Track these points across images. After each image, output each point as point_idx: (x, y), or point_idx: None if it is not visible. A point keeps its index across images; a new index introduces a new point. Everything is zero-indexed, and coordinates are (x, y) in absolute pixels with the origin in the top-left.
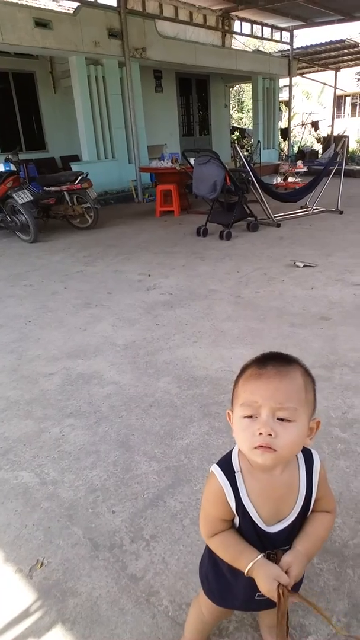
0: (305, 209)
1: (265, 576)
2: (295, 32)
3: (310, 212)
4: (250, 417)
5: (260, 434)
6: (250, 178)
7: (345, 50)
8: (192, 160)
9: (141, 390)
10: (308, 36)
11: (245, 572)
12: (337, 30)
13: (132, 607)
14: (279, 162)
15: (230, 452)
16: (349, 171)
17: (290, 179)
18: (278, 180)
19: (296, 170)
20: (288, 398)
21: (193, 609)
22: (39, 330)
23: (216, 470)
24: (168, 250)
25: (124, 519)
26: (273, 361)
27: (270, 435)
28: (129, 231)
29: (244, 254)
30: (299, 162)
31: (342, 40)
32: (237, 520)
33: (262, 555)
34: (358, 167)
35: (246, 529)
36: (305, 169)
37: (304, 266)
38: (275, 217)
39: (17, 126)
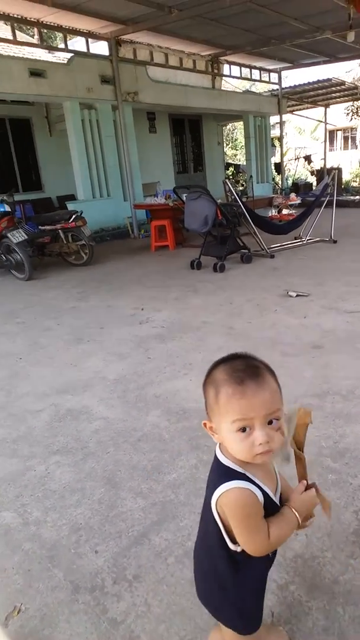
0: (299, 240)
1: (300, 499)
2: (284, 72)
3: (305, 242)
4: (244, 430)
5: (261, 444)
6: (241, 211)
7: (333, 88)
8: (183, 197)
9: (130, 424)
10: (296, 75)
11: (299, 520)
12: (324, 70)
13: None
14: (273, 195)
15: (221, 464)
16: (343, 201)
17: (285, 211)
18: (273, 212)
19: (290, 203)
20: (273, 403)
21: None
22: (29, 367)
23: (234, 484)
24: (161, 284)
25: (106, 558)
26: (247, 375)
27: (269, 442)
28: (123, 266)
29: (237, 286)
30: (292, 195)
31: (329, 79)
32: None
33: (288, 506)
34: (352, 198)
35: (269, 509)
36: (299, 201)
37: (297, 296)
38: (269, 248)
39: (14, 169)
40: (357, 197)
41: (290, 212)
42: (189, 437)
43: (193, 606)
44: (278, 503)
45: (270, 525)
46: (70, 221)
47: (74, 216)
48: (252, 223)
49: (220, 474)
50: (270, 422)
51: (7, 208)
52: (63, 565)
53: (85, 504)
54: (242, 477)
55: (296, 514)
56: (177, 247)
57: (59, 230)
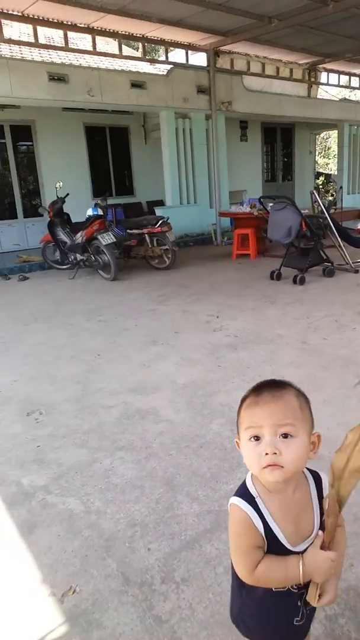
0: None
1: (313, 554)
2: None
3: None
4: (256, 440)
5: (267, 454)
6: (327, 223)
7: None
8: (269, 206)
9: (193, 430)
10: None
11: (302, 575)
12: None
13: None
14: None
15: (244, 482)
16: None
17: None
18: None
19: None
20: (285, 416)
21: None
22: (106, 364)
23: (236, 500)
24: (239, 293)
25: (158, 557)
26: (267, 388)
27: (275, 453)
28: (203, 272)
29: (315, 300)
30: None
31: None
32: (265, 546)
33: (300, 556)
34: None
35: (273, 547)
36: None
37: None
38: (354, 262)
39: (110, 174)
40: None
41: None
42: None
43: None
44: (292, 549)
45: (265, 560)
46: (156, 226)
47: (160, 221)
48: (337, 236)
49: (238, 487)
50: (285, 437)
51: (100, 212)
52: (117, 556)
53: (144, 502)
54: (249, 498)
55: (301, 567)
56: (258, 257)
57: (145, 235)
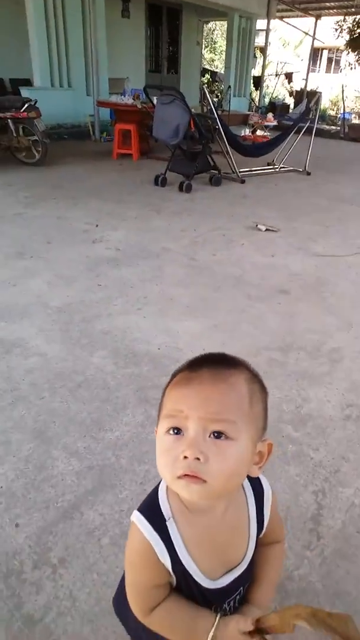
0: (271, 167)
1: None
2: None
3: (277, 170)
4: (176, 433)
5: (186, 457)
6: (216, 126)
7: None
8: (154, 99)
9: (70, 365)
10: None
11: None
12: None
13: None
14: (249, 113)
15: (156, 491)
16: (319, 130)
17: (259, 132)
18: (246, 132)
19: (266, 124)
20: (224, 408)
21: None
22: None
23: (139, 520)
24: (121, 199)
25: (29, 534)
26: (210, 362)
27: (199, 459)
28: (80, 172)
29: (203, 210)
30: (270, 115)
31: None
32: (173, 581)
33: (218, 616)
34: (327, 127)
35: (185, 591)
36: (275, 123)
37: (266, 230)
38: (240, 172)
39: None
40: (334, 127)
41: (265, 134)
42: (137, 387)
43: None
44: (209, 587)
45: (167, 604)
46: (22, 110)
47: (26, 105)
48: (226, 141)
49: (147, 497)
50: (217, 436)
51: None
52: None
53: (10, 462)
54: (157, 521)
55: (210, 636)
56: (141, 158)
57: (9, 120)
